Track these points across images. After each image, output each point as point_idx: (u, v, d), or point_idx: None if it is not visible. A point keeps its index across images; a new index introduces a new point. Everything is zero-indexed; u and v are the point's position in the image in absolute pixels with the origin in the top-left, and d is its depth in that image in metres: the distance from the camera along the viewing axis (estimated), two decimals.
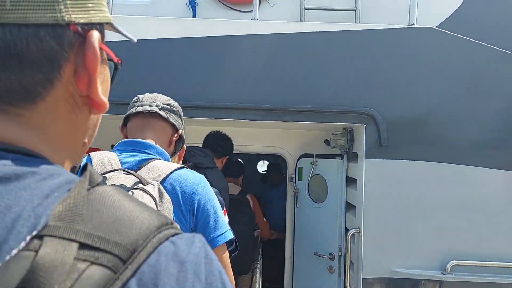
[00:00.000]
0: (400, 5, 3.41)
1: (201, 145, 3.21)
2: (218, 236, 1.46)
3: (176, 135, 1.63)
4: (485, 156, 2.99)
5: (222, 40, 3.04)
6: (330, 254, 3.68)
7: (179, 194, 1.42)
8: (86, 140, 0.60)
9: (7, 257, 0.41)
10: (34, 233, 0.42)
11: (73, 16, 0.51)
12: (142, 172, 1.39)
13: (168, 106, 1.61)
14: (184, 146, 1.72)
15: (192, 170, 1.53)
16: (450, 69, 3.02)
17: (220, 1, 3.90)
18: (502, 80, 3.01)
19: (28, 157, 0.50)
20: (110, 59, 0.61)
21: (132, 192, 1.21)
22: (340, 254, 3.61)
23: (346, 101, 3.01)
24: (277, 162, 5.80)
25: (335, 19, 3.57)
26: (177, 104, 1.66)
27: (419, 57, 3.04)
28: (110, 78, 0.61)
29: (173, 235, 0.47)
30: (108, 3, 3.10)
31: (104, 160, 1.40)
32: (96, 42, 0.53)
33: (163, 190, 1.30)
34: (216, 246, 1.45)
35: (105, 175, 1.31)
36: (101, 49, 0.55)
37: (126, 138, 1.59)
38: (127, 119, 1.63)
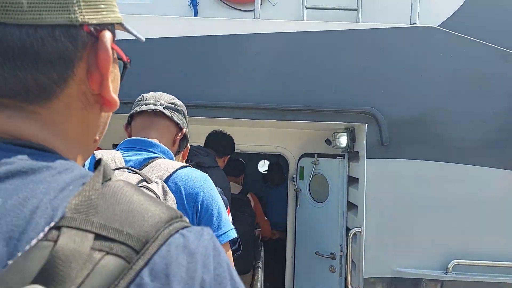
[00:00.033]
0: (402, 4, 3.41)
1: (202, 145, 3.21)
2: (221, 235, 1.46)
3: (180, 134, 1.63)
4: (488, 155, 2.99)
5: (223, 39, 3.04)
6: (331, 253, 3.68)
7: (183, 193, 1.42)
8: (97, 137, 0.62)
9: (27, 247, 0.42)
10: (52, 224, 0.44)
11: (86, 17, 0.53)
12: (146, 171, 1.39)
13: (173, 105, 1.61)
14: (188, 145, 1.72)
15: (196, 169, 1.53)
16: (452, 68, 3.02)
17: (221, 0, 3.90)
18: (504, 79, 3.01)
19: (43, 152, 0.51)
20: (119, 58, 0.62)
21: None
22: (341, 253, 3.60)
23: (348, 100, 3.01)
24: (278, 162, 5.79)
25: (336, 18, 3.57)
26: (182, 103, 1.67)
27: (421, 57, 3.03)
28: (120, 76, 0.63)
29: (182, 228, 0.49)
30: None
31: (108, 158, 1.40)
32: (108, 43, 0.55)
33: (167, 188, 1.31)
34: None
35: None
36: (112, 48, 0.56)
37: (131, 136, 1.59)
38: (131, 117, 1.63)
